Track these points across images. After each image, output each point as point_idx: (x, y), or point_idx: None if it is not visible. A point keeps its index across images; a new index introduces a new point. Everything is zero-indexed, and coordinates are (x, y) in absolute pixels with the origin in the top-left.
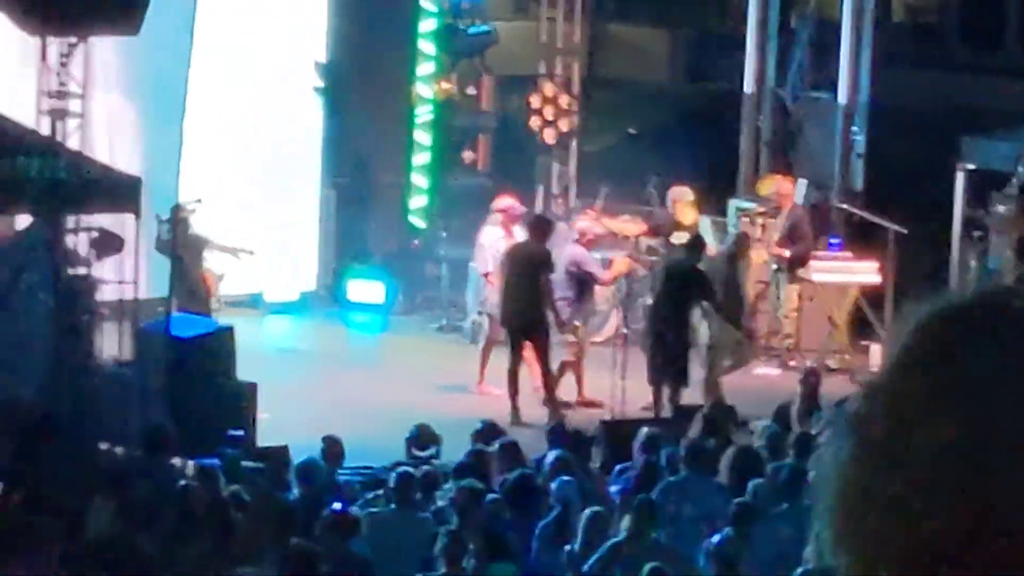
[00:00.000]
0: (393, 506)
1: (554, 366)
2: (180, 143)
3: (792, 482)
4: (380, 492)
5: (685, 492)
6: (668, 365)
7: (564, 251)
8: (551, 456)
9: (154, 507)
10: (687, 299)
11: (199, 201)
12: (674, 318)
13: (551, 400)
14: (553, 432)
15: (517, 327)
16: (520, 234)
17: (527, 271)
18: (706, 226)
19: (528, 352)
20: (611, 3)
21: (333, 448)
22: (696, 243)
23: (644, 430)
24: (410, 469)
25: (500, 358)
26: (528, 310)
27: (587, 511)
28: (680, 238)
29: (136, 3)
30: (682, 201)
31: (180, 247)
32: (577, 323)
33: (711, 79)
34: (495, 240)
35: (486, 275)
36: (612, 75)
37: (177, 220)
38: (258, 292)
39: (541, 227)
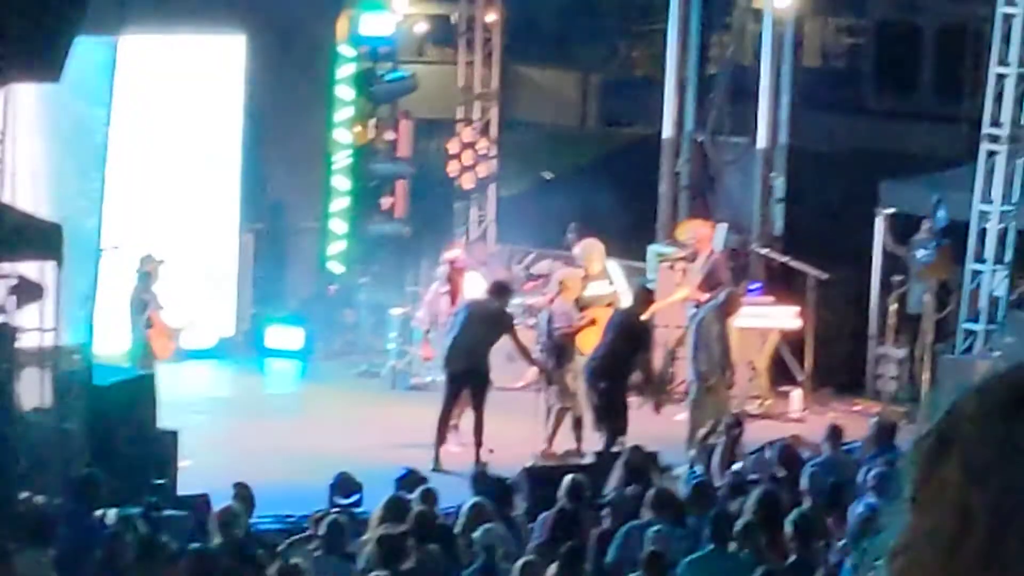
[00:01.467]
0: (321, 553)
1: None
2: (102, 189)
3: (717, 527)
4: (304, 536)
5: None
6: (605, 413)
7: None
8: (467, 504)
9: (79, 555)
10: (631, 351)
11: (116, 248)
12: (615, 368)
13: (478, 448)
14: (476, 479)
15: (459, 375)
16: (470, 287)
17: (484, 328)
18: (615, 268)
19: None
20: (521, 46)
21: (244, 495)
22: (644, 296)
23: (568, 477)
24: (340, 517)
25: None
26: (477, 362)
27: (520, 561)
28: (596, 288)
29: (57, 51)
30: (595, 252)
31: (138, 300)
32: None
33: (625, 123)
34: (439, 295)
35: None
36: (523, 118)
37: (142, 272)
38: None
39: (503, 291)
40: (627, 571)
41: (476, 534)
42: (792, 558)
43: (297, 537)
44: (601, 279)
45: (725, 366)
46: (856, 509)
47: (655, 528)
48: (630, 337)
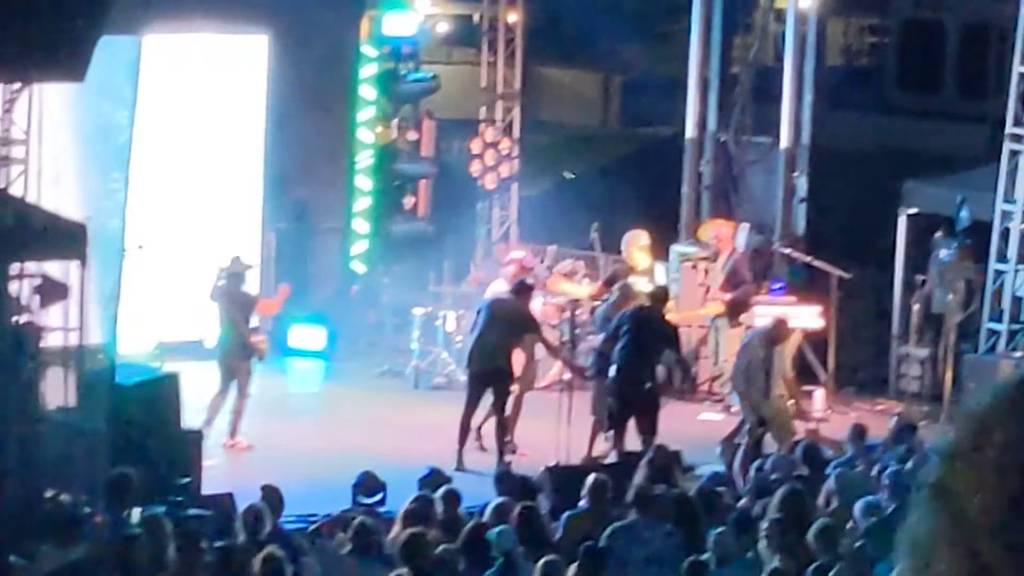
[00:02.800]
0: (349, 553)
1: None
2: (126, 189)
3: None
4: (319, 526)
5: (634, 536)
6: (644, 414)
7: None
8: (492, 504)
9: (110, 555)
10: (658, 350)
11: (141, 247)
12: (649, 366)
13: (501, 448)
14: (500, 479)
15: (482, 375)
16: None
17: (507, 327)
18: (661, 272)
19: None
20: (543, 46)
21: (272, 497)
22: (662, 293)
23: (591, 477)
24: (366, 518)
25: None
26: (498, 362)
27: (541, 560)
28: (637, 283)
29: (81, 50)
30: (636, 245)
31: (228, 299)
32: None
33: (647, 123)
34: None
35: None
36: (545, 119)
37: (232, 272)
38: (199, 339)
39: (525, 290)
40: (616, 572)
41: (495, 534)
42: (819, 559)
43: (315, 526)
44: (645, 276)
45: (767, 392)
46: (864, 506)
47: (718, 531)
48: (655, 335)
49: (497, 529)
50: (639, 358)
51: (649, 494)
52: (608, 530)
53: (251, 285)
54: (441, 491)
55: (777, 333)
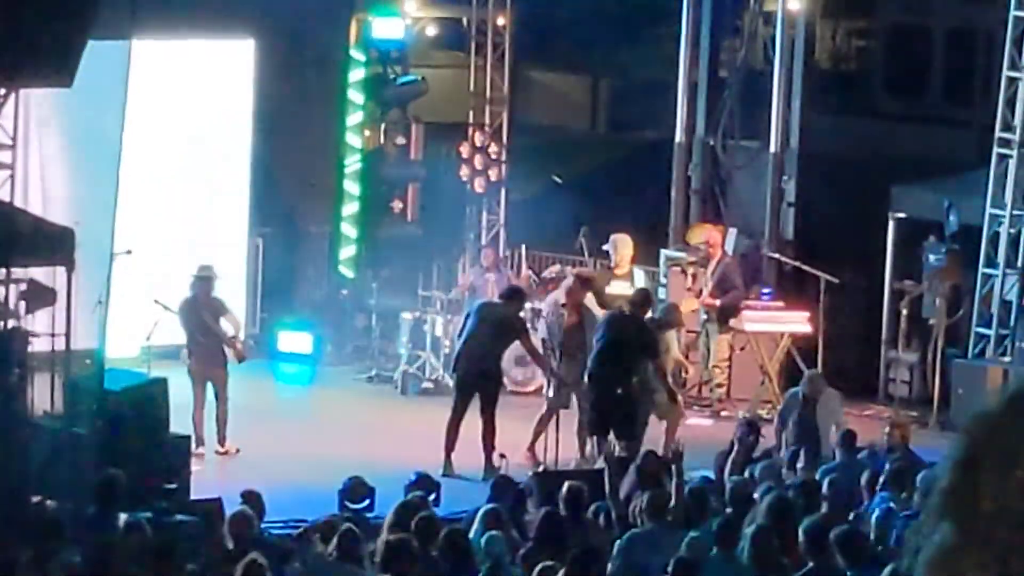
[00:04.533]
0: (335, 558)
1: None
2: (115, 194)
3: (723, 533)
4: (305, 531)
5: (651, 544)
6: (620, 420)
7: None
8: (482, 511)
9: (101, 559)
10: (634, 358)
11: (129, 252)
12: (623, 371)
13: (489, 453)
14: (498, 485)
15: (472, 380)
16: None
17: (495, 332)
18: (640, 277)
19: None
20: (531, 50)
21: (253, 502)
22: (644, 299)
23: (566, 484)
24: (352, 525)
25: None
26: (488, 367)
27: (537, 566)
28: (618, 287)
29: (70, 55)
30: (626, 246)
31: (199, 306)
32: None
33: (635, 127)
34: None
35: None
36: (534, 122)
37: (199, 278)
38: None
39: (516, 296)
40: None
41: (482, 541)
42: (807, 566)
43: (301, 532)
44: (625, 280)
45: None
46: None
47: (693, 535)
48: (632, 342)
49: (486, 535)
50: (613, 366)
51: (664, 501)
52: (624, 537)
53: (220, 292)
54: (410, 496)
55: (810, 390)
